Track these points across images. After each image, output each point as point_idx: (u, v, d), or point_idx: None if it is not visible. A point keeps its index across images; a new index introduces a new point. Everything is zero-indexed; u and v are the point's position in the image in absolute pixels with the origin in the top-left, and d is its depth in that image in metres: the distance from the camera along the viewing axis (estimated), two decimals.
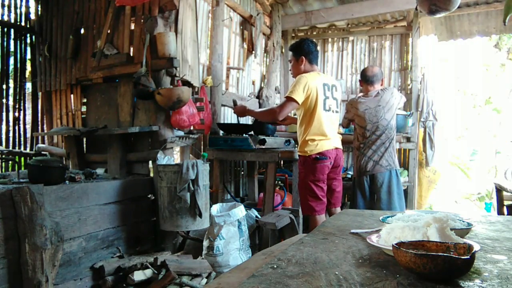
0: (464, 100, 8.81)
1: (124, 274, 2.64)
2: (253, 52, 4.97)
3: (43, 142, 4.18)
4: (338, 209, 3.31)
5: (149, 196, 3.25)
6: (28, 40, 4.17)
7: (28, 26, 4.13)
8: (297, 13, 5.41)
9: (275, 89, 5.41)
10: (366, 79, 3.69)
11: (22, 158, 3.87)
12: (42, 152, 3.86)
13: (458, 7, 2.92)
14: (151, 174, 3.45)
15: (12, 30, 4.00)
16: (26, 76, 4.26)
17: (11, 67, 4.09)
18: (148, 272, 2.64)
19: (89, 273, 2.66)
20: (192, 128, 3.71)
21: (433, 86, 5.01)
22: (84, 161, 3.65)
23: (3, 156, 3.62)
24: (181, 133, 3.51)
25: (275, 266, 0.99)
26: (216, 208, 3.24)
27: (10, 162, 3.79)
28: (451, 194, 7.45)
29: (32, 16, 4.15)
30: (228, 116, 4.50)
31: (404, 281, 0.88)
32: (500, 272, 0.94)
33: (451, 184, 7.43)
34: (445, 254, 0.87)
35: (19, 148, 4.06)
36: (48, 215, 2.31)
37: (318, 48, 3.64)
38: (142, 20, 3.44)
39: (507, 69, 8.54)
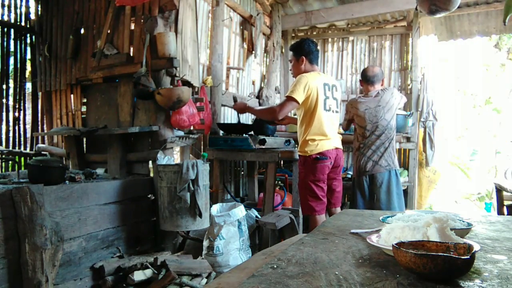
0: (464, 100, 8.81)
1: (124, 274, 2.64)
2: (253, 52, 4.97)
3: (43, 142, 4.18)
4: (338, 209, 3.31)
5: (149, 196, 3.25)
6: (28, 40, 4.17)
7: (28, 26, 4.13)
8: (297, 13, 5.41)
9: (275, 89, 5.41)
10: (366, 79, 3.68)
11: (22, 158, 3.87)
12: (42, 152, 3.87)
13: (458, 7, 2.92)
14: (151, 174, 3.45)
15: (12, 30, 4.00)
16: (26, 76, 4.26)
17: (11, 67, 4.09)
18: (148, 272, 2.64)
19: (89, 273, 2.66)
20: (192, 128, 3.71)
21: (433, 86, 5.01)
22: (84, 161, 3.65)
23: (3, 156, 3.62)
24: (181, 133, 3.51)
25: (275, 266, 0.99)
26: (216, 208, 3.24)
27: (10, 162, 3.79)
28: (451, 194, 7.45)
29: (32, 16, 4.15)
30: (228, 116, 4.50)
31: (404, 281, 0.88)
32: (500, 272, 0.94)
33: (451, 184, 7.44)
34: (445, 254, 0.87)
35: (19, 148, 4.06)
36: (48, 215, 2.31)
37: (318, 48, 3.63)
38: (142, 20, 3.44)
39: (507, 69, 8.54)
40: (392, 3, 4.85)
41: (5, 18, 3.95)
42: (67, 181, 2.71)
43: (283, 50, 5.74)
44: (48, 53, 3.96)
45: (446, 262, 0.84)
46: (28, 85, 4.39)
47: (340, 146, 3.26)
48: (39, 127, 4.21)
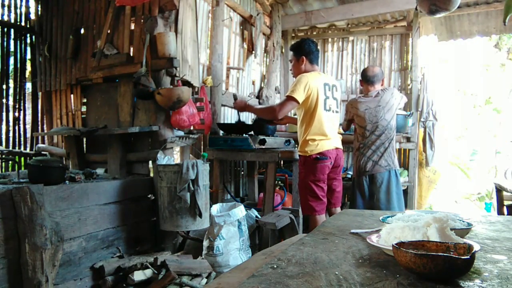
0: (464, 100, 8.81)
1: (124, 274, 2.64)
2: (253, 52, 4.97)
3: (43, 142, 4.18)
4: (338, 209, 3.31)
5: (149, 196, 3.25)
6: (28, 40, 4.17)
7: (28, 26, 4.13)
8: (297, 13, 5.41)
9: (275, 89, 5.41)
10: (366, 79, 3.68)
11: (22, 158, 3.87)
12: (42, 152, 3.87)
13: (458, 7, 2.92)
14: (151, 174, 3.45)
15: (12, 30, 4.00)
16: (26, 76, 4.26)
17: (11, 67, 4.09)
18: (148, 272, 2.64)
19: (89, 273, 2.66)
20: (192, 128, 3.71)
21: (433, 86, 5.01)
22: (84, 161, 3.65)
23: (3, 156, 3.62)
24: (181, 133, 3.51)
25: (275, 266, 0.99)
26: (216, 208, 3.24)
27: (10, 162, 3.79)
28: (451, 194, 7.46)
29: (32, 16, 4.15)
30: (228, 116, 4.50)
31: (404, 281, 0.88)
32: (500, 272, 0.94)
33: (451, 184, 7.44)
34: (445, 254, 0.87)
35: (19, 148, 4.06)
36: (48, 215, 2.31)
37: (318, 48, 3.63)
38: (142, 20, 3.44)
39: (507, 69, 8.54)
40: (392, 3, 4.85)
41: (5, 18, 3.95)
42: (67, 181, 2.71)
43: (283, 50, 5.74)
44: (48, 53, 3.96)
45: (446, 262, 0.84)
46: (28, 85, 4.39)
47: (340, 146, 3.26)
48: (39, 127, 4.21)
